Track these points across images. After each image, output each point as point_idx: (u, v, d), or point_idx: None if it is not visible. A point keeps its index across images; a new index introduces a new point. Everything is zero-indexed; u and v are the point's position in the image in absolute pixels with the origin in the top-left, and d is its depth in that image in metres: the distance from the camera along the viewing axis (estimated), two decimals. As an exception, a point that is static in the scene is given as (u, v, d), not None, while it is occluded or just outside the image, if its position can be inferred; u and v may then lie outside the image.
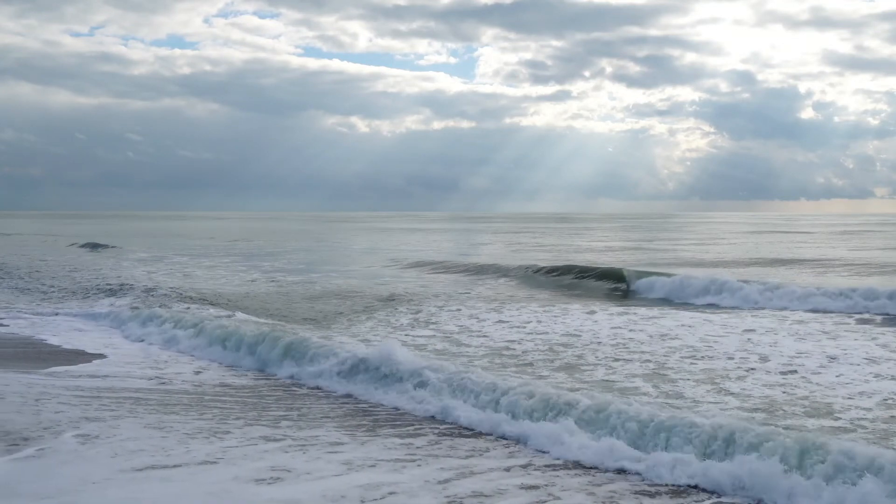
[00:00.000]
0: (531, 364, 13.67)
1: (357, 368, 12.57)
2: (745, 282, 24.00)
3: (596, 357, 14.26)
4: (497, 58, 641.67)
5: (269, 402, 11.46)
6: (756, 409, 10.26)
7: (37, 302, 24.08)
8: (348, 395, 11.89)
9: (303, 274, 33.91)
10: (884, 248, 47.77)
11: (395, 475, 7.84)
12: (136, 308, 20.82)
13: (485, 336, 16.84)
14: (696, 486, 7.57)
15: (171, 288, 26.89)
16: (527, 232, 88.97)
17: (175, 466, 7.96)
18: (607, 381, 12.20)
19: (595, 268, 31.45)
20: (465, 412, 10.16)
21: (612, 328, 17.79)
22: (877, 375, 12.36)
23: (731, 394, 11.18)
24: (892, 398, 10.84)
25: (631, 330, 17.49)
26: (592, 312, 20.76)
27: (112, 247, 56.10)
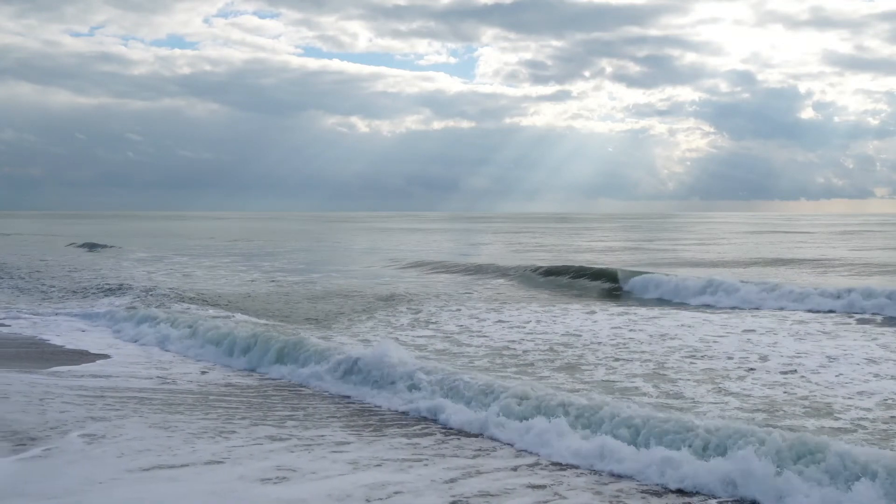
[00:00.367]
0: (531, 364, 13.73)
1: (351, 370, 12.57)
2: (743, 282, 24.04)
3: (596, 357, 14.31)
4: (497, 58, 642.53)
5: (274, 402, 11.52)
6: (756, 410, 10.31)
7: (37, 302, 24.13)
8: (344, 396, 11.93)
9: (303, 274, 33.95)
10: (884, 248, 47.83)
11: (401, 475, 7.87)
12: (133, 308, 20.89)
13: (485, 336, 16.89)
14: (697, 492, 7.53)
15: (170, 288, 26.94)
16: (527, 232, 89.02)
17: (181, 466, 8.00)
18: (608, 381, 12.26)
19: (591, 268, 31.52)
20: (455, 414, 10.14)
21: (612, 328, 17.85)
22: (877, 375, 12.42)
23: (732, 394, 11.23)
24: (892, 398, 10.89)
25: (631, 330, 17.55)
26: (592, 312, 20.82)
27: (111, 247, 56.13)
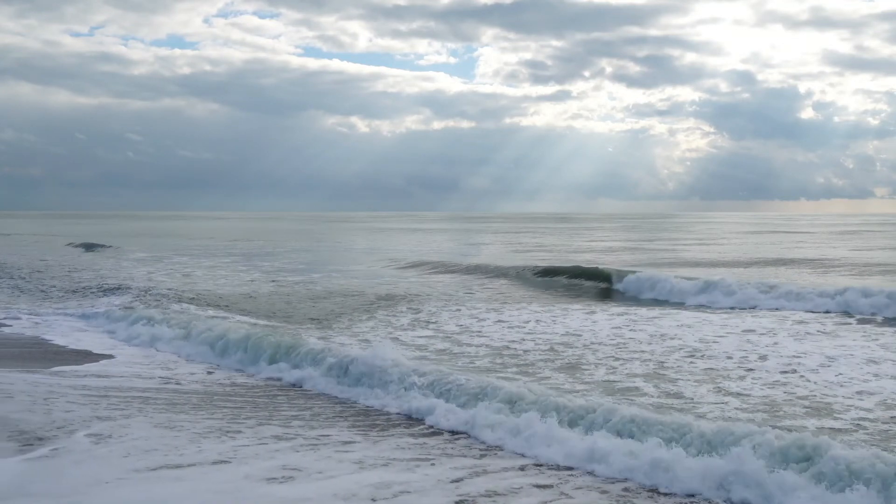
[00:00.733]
0: (532, 364, 13.78)
1: (345, 371, 12.57)
2: (741, 283, 24.09)
3: (596, 357, 14.37)
4: (497, 58, 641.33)
5: (280, 402, 11.58)
6: (756, 410, 10.37)
7: (37, 302, 24.18)
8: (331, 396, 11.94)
9: (303, 274, 34.00)
10: (884, 248, 47.90)
11: (407, 474, 7.91)
12: (129, 308, 20.96)
13: (485, 336, 16.95)
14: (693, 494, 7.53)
15: (168, 289, 26.97)
16: (527, 232, 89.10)
17: (188, 466, 8.06)
18: (608, 381, 12.31)
19: (589, 268, 31.64)
20: (444, 416, 10.14)
21: (612, 328, 17.91)
22: (877, 375, 12.48)
23: (732, 394, 11.29)
24: (892, 398, 10.93)
25: (631, 330, 17.61)
26: (592, 312, 20.89)
27: (111, 247, 56.15)
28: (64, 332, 18.20)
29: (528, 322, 19.11)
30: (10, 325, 19.08)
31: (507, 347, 15.54)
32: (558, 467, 8.31)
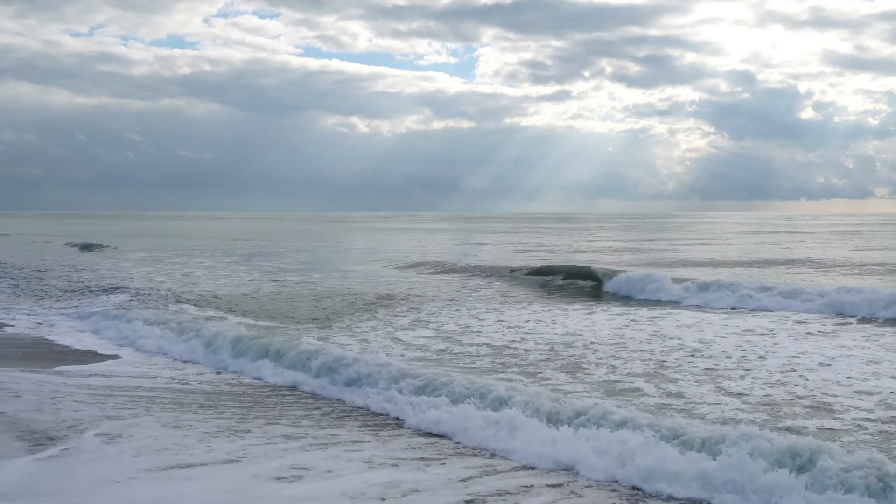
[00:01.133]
0: (532, 364, 13.87)
1: (335, 371, 12.60)
2: (742, 282, 24.20)
3: (596, 357, 14.46)
4: (497, 58, 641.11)
5: (289, 402, 11.67)
6: (756, 410, 10.45)
7: (37, 302, 24.25)
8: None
9: (303, 274, 34.07)
10: (884, 248, 47.99)
11: (417, 473, 7.95)
12: (125, 308, 21.04)
13: (485, 336, 17.04)
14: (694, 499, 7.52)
15: (167, 289, 27.02)
16: (527, 232, 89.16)
17: (199, 465, 8.11)
18: (608, 381, 12.40)
19: (588, 268, 31.76)
20: (436, 416, 10.06)
21: (612, 328, 18.01)
22: (876, 375, 12.57)
23: (732, 394, 11.37)
24: (892, 398, 11.01)
25: (632, 330, 17.71)
26: (592, 312, 21.00)
27: (111, 247, 56.19)
28: (65, 332, 18.29)
29: (528, 322, 19.20)
30: (13, 325, 19.17)
31: (508, 347, 15.63)
32: (568, 467, 8.29)
